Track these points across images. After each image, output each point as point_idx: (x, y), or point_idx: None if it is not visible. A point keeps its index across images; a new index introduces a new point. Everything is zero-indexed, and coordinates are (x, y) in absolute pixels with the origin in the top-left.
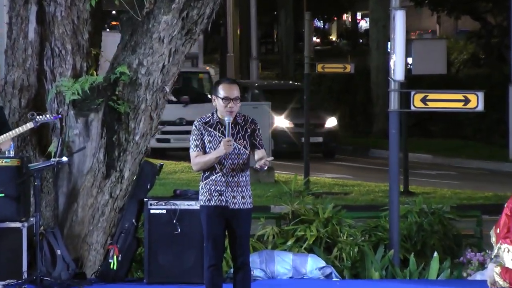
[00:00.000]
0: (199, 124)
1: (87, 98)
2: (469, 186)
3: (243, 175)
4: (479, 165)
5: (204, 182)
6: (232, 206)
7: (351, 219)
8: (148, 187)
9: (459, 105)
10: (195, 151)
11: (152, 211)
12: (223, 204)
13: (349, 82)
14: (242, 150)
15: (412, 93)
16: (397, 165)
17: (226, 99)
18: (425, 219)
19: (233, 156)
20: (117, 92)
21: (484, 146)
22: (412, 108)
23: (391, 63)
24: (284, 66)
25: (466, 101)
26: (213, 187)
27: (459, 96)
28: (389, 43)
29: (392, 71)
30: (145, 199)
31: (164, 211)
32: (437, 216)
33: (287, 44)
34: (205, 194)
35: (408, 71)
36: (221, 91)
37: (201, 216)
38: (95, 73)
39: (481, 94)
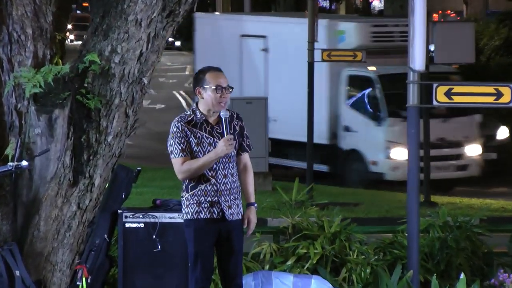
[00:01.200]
0: (181, 124)
1: (50, 92)
2: (502, 195)
3: (234, 180)
4: None
5: (191, 192)
6: (230, 218)
7: (362, 234)
8: (123, 196)
9: (490, 99)
10: (181, 156)
11: (127, 225)
12: (215, 216)
13: None
14: (233, 152)
15: (435, 85)
16: (416, 170)
17: (218, 88)
18: (450, 234)
19: (224, 160)
20: (86, 85)
21: None
22: (435, 103)
23: (410, 50)
24: None
25: (498, 95)
26: (202, 197)
27: (490, 89)
28: (407, 26)
29: (410, 60)
30: (119, 211)
31: (142, 225)
32: (464, 230)
33: None
34: (192, 206)
35: (429, 60)
36: (210, 80)
37: (187, 231)
38: (60, 62)
39: None
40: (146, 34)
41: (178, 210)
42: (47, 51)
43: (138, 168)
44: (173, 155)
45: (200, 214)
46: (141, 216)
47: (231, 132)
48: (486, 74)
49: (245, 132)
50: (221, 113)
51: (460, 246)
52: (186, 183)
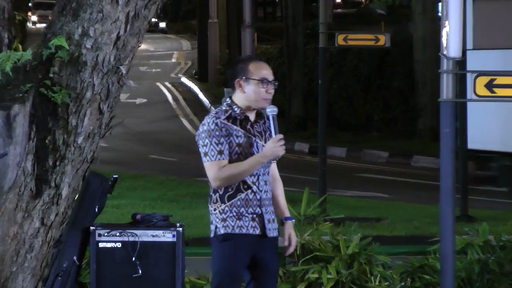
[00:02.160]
0: (220, 121)
1: (8, 83)
2: None
3: (270, 190)
4: None
5: (229, 203)
6: (271, 234)
7: (386, 256)
8: (96, 210)
9: None
10: (218, 159)
11: (101, 245)
12: (257, 232)
13: (383, 61)
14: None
15: (473, 76)
16: (452, 179)
17: (264, 81)
18: (492, 255)
19: (265, 164)
20: (51, 75)
21: None
22: (473, 97)
23: (443, 33)
24: (290, 37)
25: None
26: (243, 209)
27: None
28: (439, 4)
29: (444, 45)
30: (91, 228)
31: (119, 245)
32: (510, 251)
33: (295, 7)
34: (232, 219)
35: (467, 45)
36: (254, 71)
37: (219, 246)
38: (20, 47)
39: None
40: (124, 13)
41: (163, 226)
42: (4, 34)
43: (114, 176)
44: (207, 157)
45: (242, 229)
46: (118, 234)
47: (269, 134)
48: None
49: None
50: (268, 110)
51: (504, 270)
52: (221, 192)
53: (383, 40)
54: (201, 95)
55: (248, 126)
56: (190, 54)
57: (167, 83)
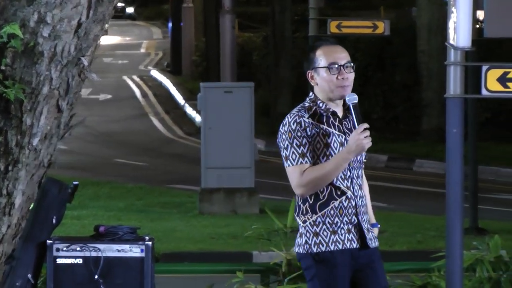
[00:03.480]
0: (304, 120)
1: None
2: None
3: (364, 195)
4: None
5: (321, 213)
6: (373, 244)
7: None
8: (54, 221)
9: None
10: (300, 163)
11: (60, 261)
12: (354, 245)
13: (383, 51)
14: (364, 154)
15: (485, 68)
16: (460, 187)
17: (332, 66)
18: (504, 273)
19: (356, 165)
20: (3, 67)
21: None
22: (485, 93)
23: (451, 21)
24: (276, 24)
25: None
26: (337, 219)
27: None
28: None
29: (452, 33)
30: (48, 241)
31: (80, 261)
32: None
33: None
34: (326, 232)
35: (478, 33)
36: (322, 57)
37: (314, 269)
38: None
39: None
40: None
41: (130, 240)
42: None
43: (74, 182)
44: (289, 162)
45: (338, 244)
46: (78, 249)
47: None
48: None
49: None
50: (347, 98)
51: None
52: (311, 201)
53: (382, 27)
54: (173, 91)
55: (337, 123)
56: (161, 44)
57: (135, 77)
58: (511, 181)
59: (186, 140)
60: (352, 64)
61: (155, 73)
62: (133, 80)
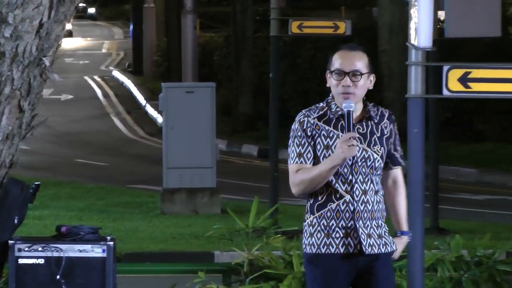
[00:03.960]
0: (308, 120)
1: None
2: None
3: (379, 200)
4: None
5: (317, 214)
6: (373, 251)
7: None
8: (16, 221)
9: None
10: (296, 162)
11: (21, 261)
12: (351, 250)
13: None
14: (375, 157)
15: (446, 68)
16: (421, 186)
17: (338, 73)
18: (465, 273)
19: (364, 170)
20: None
21: None
22: (446, 93)
23: (412, 21)
24: (237, 24)
25: None
26: (333, 221)
27: None
28: None
29: (413, 33)
30: (10, 242)
31: (42, 261)
32: (486, 268)
33: None
34: (318, 235)
35: (440, 33)
36: (334, 61)
37: (308, 270)
38: None
39: None
40: None
41: (92, 240)
42: None
43: (36, 183)
44: (289, 160)
45: (331, 247)
46: (40, 249)
47: (378, 136)
48: None
49: (397, 140)
50: (343, 105)
51: None
52: (312, 201)
53: (343, 27)
54: (135, 91)
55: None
56: (122, 44)
57: (96, 77)
58: (471, 181)
59: (147, 140)
60: (360, 73)
61: (116, 73)
62: (94, 80)
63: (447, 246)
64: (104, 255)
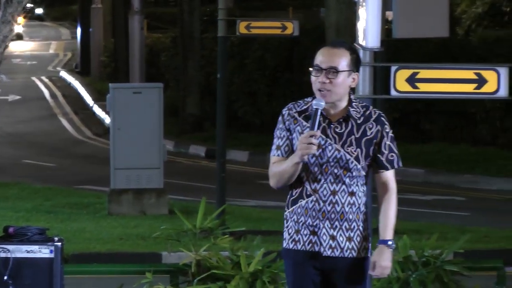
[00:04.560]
0: (288, 113)
1: None
2: (485, 220)
3: (354, 202)
4: (503, 185)
5: (291, 209)
6: (328, 253)
7: None
8: None
9: (469, 88)
10: (273, 154)
11: None
12: (316, 249)
13: (291, 52)
14: (348, 158)
15: (394, 68)
16: (368, 187)
17: (316, 69)
18: (413, 273)
19: (336, 170)
20: None
21: (510, 155)
22: (394, 93)
23: (360, 21)
24: (185, 24)
25: (481, 81)
26: (302, 218)
27: (469, 74)
28: None
29: (361, 34)
30: None
31: None
32: (433, 268)
33: None
34: (291, 230)
35: (387, 34)
36: (317, 57)
37: (284, 263)
38: None
39: (504, 71)
40: None
41: (39, 241)
42: None
43: None
44: (271, 151)
45: (298, 244)
46: None
47: (357, 136)
48: (465, 54)
49: (387, 142)
50: (313, 102)
51: None
52: (289, 195)
53: (291, 28)
54: (82, 91)
55: (324, 124)
56: (70, 44)
57: (43, 78)
58: (419, 181)
59: (95, 141)
60: (336, 70)
61: (64, 74)
62: (42, 81)
63: (395, 246)
64: (52, 255)
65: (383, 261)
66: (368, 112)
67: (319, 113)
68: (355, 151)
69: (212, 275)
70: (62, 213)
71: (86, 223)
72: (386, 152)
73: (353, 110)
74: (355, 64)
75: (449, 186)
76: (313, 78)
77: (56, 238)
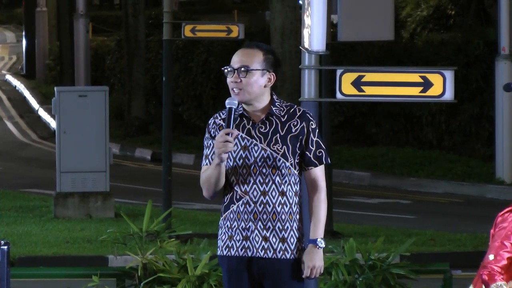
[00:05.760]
0: (213, 122)
1: None
2: (431, 223)
3: (285, 202)
4: (448, 188)
5: (224, 215)
6: (261, 254)
7: None
8: None
9: (415, 91)
10: (203, 164)
11: None
12: (249, 253)
13: None
14: (275, 156)
15: (339, 72)
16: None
17: (229, 70)
18: (360, 276)
19: (264, 169)
20: None
21: (455, 158)
22: (339, 96)
23: (305, 24)
24: (130, 28)
25: (426, 84)
26: (235, 223)
27: (414, 77)
28: None
29: (306, 37)
30: None
31: None
32: (380, 271)
33: None
34: (224, 236)
35: (332, 37)
36: (232, 59)
37: (222, 270)
38: None
39: (449, 74)
40: None
41: None
42: None
43: None
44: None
45: (232, 250)
46: None
47: (282, 134)
48: (410, 57)
49: (314, 138)
50: (227, 101)
51: None
52: (222, 203)
53: (236, 31)
54: (28, 95)
55: (249, 126)
56: (15, 48)
57: None
58: (364, 184)
59: (40, 144)
60: (247, 69)
61: (9, 77)
62: None
63: (341, 249)
64: None
65: (310, 261)
66: (292, 109)
67: (233, 111)
68: (281, 148)
69: (159, 279)
70: (8, 217)
71: (32, 227)
72: (313, 148)
73: (276, 109)
74: (271, 65)
75: (395, 189)
76: (228, 80)
77: (2, 242)
